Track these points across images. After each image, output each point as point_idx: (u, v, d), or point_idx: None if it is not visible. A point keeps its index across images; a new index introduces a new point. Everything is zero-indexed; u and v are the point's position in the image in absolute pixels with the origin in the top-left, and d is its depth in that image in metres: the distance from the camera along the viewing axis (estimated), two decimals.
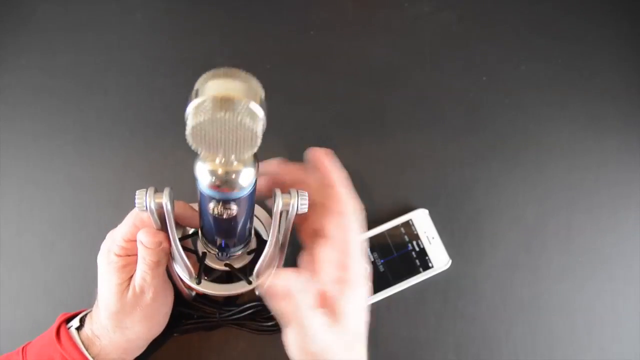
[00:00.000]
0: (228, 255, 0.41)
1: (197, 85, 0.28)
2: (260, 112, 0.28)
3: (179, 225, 0.42)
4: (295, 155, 0.54)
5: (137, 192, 0.37)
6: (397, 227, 0.52)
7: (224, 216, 0.34)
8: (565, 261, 0.53)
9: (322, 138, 0.55)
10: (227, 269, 0.43)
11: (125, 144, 0.54)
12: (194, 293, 0.48)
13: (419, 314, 0.51)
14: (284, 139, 0.55)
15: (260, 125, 0.28)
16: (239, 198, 0.33)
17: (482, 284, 0.52)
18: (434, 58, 0.57)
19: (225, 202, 0.33)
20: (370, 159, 0.54)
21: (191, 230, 0.45)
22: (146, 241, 0.39)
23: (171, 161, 0.53)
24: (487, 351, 0.51)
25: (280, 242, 0.43)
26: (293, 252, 0.52)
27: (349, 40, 0.57)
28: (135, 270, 0.41)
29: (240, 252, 0.43)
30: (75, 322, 0.43)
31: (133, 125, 0.54)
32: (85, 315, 0.44)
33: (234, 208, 0.34)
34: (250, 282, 0.43)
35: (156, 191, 0.37)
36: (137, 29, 0.57)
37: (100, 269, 0.42)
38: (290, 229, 0.40)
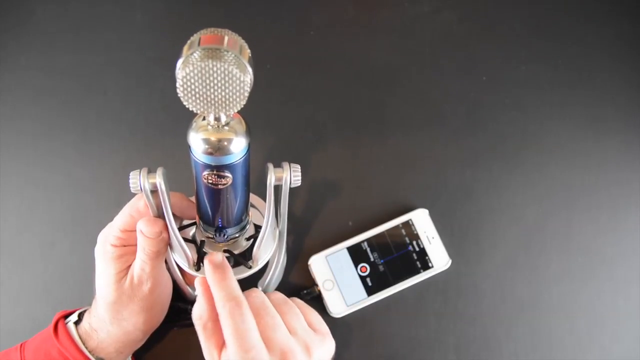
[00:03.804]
0: (226, 237, 0.41)
1: (186, 44, 0.29)
2: (248, 66, 0.29)
3: (176, 217, 0.42)
4: (295, 155, 0.55)
5: (131, 173, 0.37)
6: (397, 227, 0.52)
7: (219, 186, 0.35)
8: (565, 261, 0.53)
9: (322, 138, 0.55)
10: (226, 254, 0.43)
11: (125, 144, 0.54)
12: (196, 292, 0.48)
13: (419, 314, 0.51)
14: (284, 139, 0.55)
15: (248, 78, 0.29)
16: (232, 164, 0.34)
17: (482, 284, 0.52)
18: (434, 58, 0.57)
19: (219, 169, 0.34)
20: (370, 159, 0.54)
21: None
22: (146, 230, 0.39)
23: (171, 161, 0.53)
24: (487, 351, 0.51)
25: (277, 223, 0.43)
26: (295, 250, 0.52)
27: (349, 40, 0.57)
28: (131, 261, 0.41)
29: (237, 235, 0.42)
30: (73, 317, 0.43)
31: (133, 126, 0.54)
32: (84, 310, 0.44)
33: (228, 176, 0.34)
34: (249, 267, 0.43)
35: (149, 172, 0.37)
36: (137, 29, 0.57)
37: (97, 259, 0.42)
38: (286, 207, 0.41)
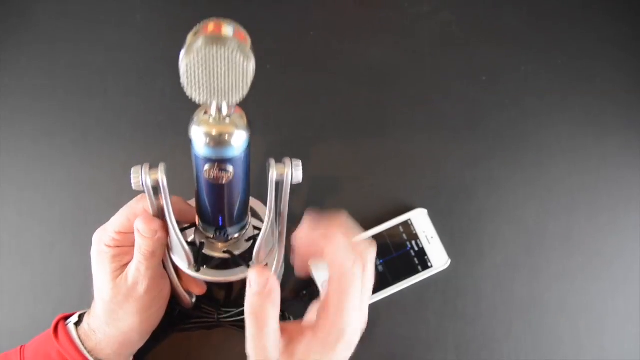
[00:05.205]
0: (226, 236, 0.41)
1: (189, 34, 0.30)
2: (250, 53, 0.29)
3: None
4: (294, 155, 0.54)
5: (133, 169, 0.37)
6: (396, 227, 0.52)
7: (220, 181, 0.35)
8: (565, 261, 0.53)
9: (322, 138, 0.55)
10: (226, 255, 0.43)
11: (125, 144, 0.54)
12: (194, 299, 0.48)
13: (419, 314, 0.51)
14: (284, 139, 0.55)
15: (251, 65, 0.29)
16: (233, 158, 0.34)
17: (482, 284, 0.52)
18: (434, 58, 0.57)
19: (220, 163, 0.34)
20: (370, 159, 0.54)
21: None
22: (142, 228, 0.39)
23: (171, 162, 0.52)
24: (487, 351, 0.51)
25: (277, 223, 0.42)
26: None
27: (349, 40, 0.57)
28: (126, 260, 0.41)
29: (237, 235, 0.42)
30: (73, 318, 0.43)
31: (133, 126, 0.54)
32: (85, 312, 0.44)
33: (229, 170, 0.34)
34: (250, 267, 0.43)
35: (151, 167, 0.37)
36: (137, 29, 0.57)
37: (93, 260, 0.42)
38: (287, 204, 0.40)
